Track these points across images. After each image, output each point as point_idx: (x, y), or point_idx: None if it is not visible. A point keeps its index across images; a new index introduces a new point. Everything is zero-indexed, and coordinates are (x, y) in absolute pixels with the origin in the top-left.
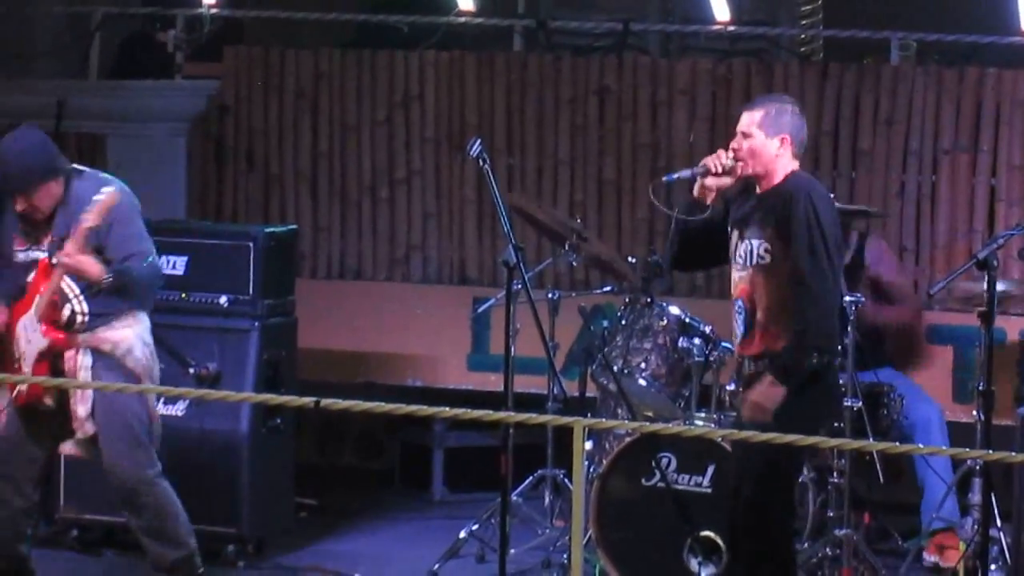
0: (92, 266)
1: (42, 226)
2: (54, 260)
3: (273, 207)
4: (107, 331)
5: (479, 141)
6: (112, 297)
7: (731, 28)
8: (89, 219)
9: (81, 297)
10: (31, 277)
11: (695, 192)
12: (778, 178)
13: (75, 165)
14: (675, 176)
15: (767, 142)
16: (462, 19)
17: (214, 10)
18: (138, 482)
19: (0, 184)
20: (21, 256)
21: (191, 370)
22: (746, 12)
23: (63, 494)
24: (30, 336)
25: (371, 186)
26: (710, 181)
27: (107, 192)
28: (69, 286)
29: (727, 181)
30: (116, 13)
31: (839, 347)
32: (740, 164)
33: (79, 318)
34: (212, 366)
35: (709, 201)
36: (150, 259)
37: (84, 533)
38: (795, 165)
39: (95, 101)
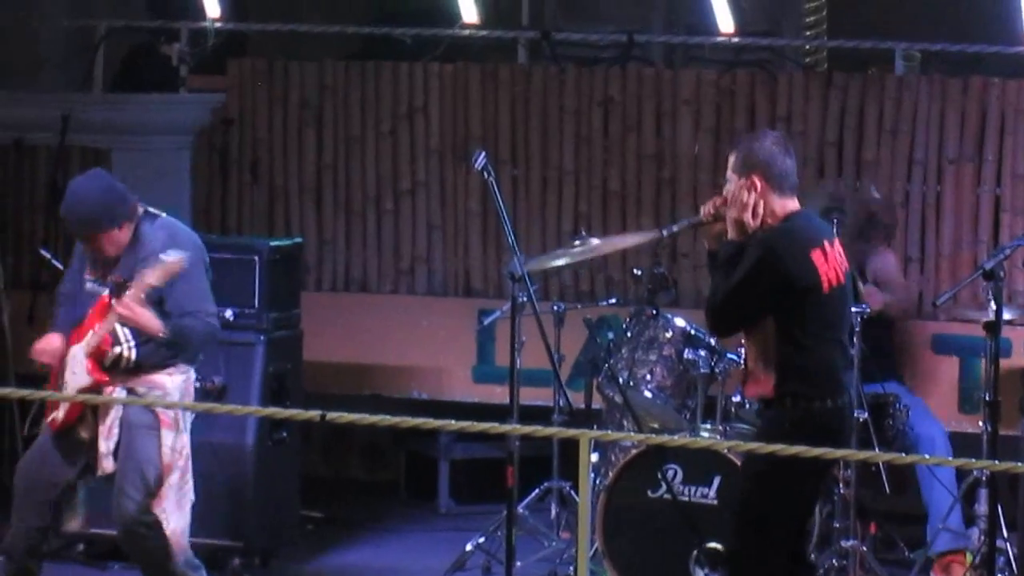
0: (149, 320)
1: (110, 262)
2: (112, 302)
3: (278, 220)
4: (148, 376)
5: (483, 153)
6: (163, 349)
7: (735, 39)
8: (151, 278)
9: (132, 345)
10: (90, 309)
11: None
12: (769, 220)
13: (150, 209)
14: (675, 228)
15: (738, 184)
16: (466, 31)
17: (218, 23)
18: (139, 524)
19: (66, 227)
20: (89, 286)
21: (197, 383)
22: (750, 23)
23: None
24: (75, 369)
25: (376, 198)
26: (706, 229)
27: (175, 257)
28: (124, 332)
29: (720, 227)
30: (121, 26)
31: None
32: (724, 209)
33: (123, 363)
34: (218, 379)
35: (713, 248)
36: (209, 319)
37: (91, 546)
38: (783, 203)
39: (100, 114)
